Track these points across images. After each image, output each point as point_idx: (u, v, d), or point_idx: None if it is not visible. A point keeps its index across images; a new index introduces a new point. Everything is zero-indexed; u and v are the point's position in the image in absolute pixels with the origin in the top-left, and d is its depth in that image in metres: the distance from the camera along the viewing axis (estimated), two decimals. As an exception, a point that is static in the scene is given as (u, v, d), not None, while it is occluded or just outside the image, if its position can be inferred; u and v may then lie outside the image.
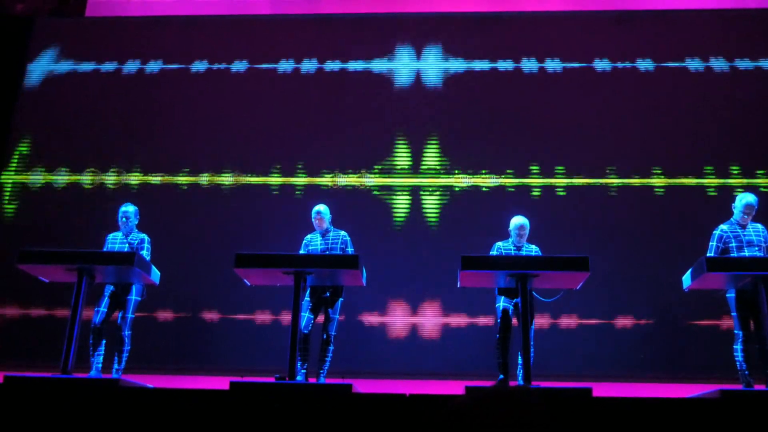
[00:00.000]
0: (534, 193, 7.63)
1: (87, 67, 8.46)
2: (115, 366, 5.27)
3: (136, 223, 5.72)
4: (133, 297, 5.39)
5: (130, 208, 5.68)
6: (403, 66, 8.25)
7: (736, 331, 4.90)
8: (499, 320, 5.20)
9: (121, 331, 5.30)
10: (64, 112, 8.27)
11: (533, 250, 5.48)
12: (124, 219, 5.62)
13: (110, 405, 3.65)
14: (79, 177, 7.97)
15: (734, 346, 4.88)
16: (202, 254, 7.48)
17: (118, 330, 5.31)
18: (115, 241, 5.61)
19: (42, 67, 8.49)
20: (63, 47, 8.58)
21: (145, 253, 5.54)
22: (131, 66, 8.43)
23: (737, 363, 4.85)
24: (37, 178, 7.98)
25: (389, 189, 7.76)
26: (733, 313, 4.93)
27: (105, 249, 5.59)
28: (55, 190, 7.93)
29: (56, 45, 8.59)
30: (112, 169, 7.97)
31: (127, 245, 5.57)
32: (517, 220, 5.46)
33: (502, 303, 5.23)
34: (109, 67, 8.44)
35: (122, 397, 3.94)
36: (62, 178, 7.97)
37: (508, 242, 5.49)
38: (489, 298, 5.52)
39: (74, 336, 4.70)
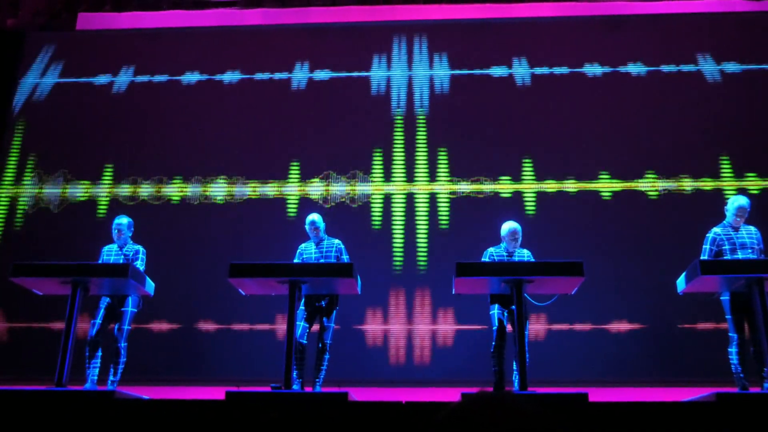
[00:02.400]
0: (527, 199, 7.65)
1: (79, 80, 8.47)
2: (111, 378, 5.25)
3: (130, 234, 5.71)
4: (129, 308, 5.38)
5: (123, 221, 5.68)
6: (395, 74, 8.28)
7: (730, 334, 4.90)
8: (494, 328, 5.19)
9: (117, 342, 5.29)
10: (57, 125, 8.27)
11: (525, 255, 5.47)
12: (117, 231, 5.62)
13: (105, 417, 3.63)
14: (72, 189, 7.96)
15: (729, 349, 4.89)
16: (197, 265, 7.47)
17: (113, 342, 5.30)
18: (110, 253, 5.61)
19: (34, 81, 8.49)
20: (55, 61, 8.58)
21: (140, 264, 5.53)
22: (123, 78, 8.44)
23: (732, 366, 4.85)
24: (30, 191, 7.97)
25: (383, 197, 7.77)
26: (728, 316, 4.93)
27: (100, 261, 5.58)
28: (49, 202, 7.91)
29: (48, 59, 8.60)
30: (105, 181, 7.97)
31: (122, 257, 5.56)
32: (509, 225, 5.44)
33: (496, 311, 5.22)
34: (101, 80, 8.45)
35: (117, 409, 3.92)
36: (56, 190, 7.95)
37: (500, 248, 5.48)
38: (484, 305, 5.52)
39: (69, 348, 4.68)
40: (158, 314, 7.18)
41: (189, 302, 7.39)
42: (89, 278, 4.82)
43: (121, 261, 5.52)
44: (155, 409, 3.96)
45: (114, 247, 5.65)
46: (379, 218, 7.71)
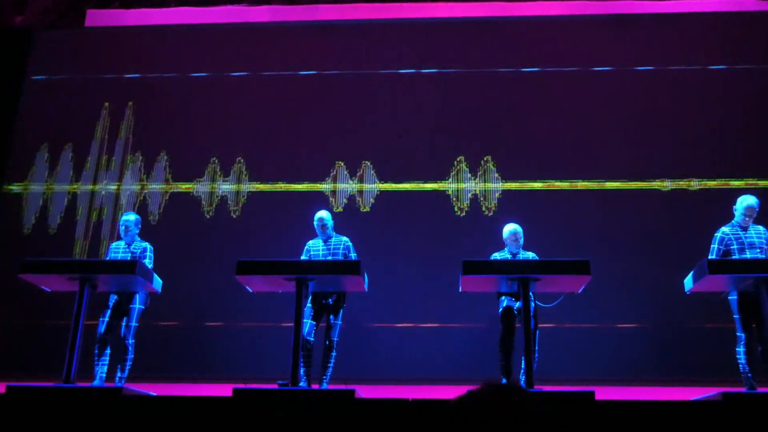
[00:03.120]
0: (534, 198, 7.64)
1: (87, 77, 8.49)
2: (118, 374, 5.28)
3: (137, 231, 5.73)
4: (137, 306, 5.40)
5: (130, 217, 5.70)
6: (402, 72, 8.27)
7: (738, 334, 4.89)
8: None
9: (125, 339, 5.32)
10: (65, 123, 8.29)
11: (530, 256, 5.48)
12: (124, 228, 5.64)
13: (113, 413, 3.65)
14: (80, 186, 7.99)
15: (737, 349, 4.88)
16: (205, 262, 7.49)
17: (121, 339, 5.32)
18: (118, 250, 5.63)
19: (42, 78, 8.52)
20: (63, 58, 8.61)
21: (148, 262, 5.55)
22: (131, 75, 8.46)
23: (740, 365, 4.84)
24: (39, 188, 8.01)
25: (390, 194, 7.77)
26: (735, 316, 4.92)
27: (108, 258, 5.60)
28: (57, 199, 7.95)
29: (56, 56, 8.63)
30: (114, 178, 7.99)
31: (129, 254, 5.58)
32: (510, 228, 5.46)
33: (505, 303, 5.24)
34: (109, 76, 8.47)
35: (125, 406, 3.94)
36: (63, 187, 7.99)
37: (504, 251, 5.49)
38: (492, 303, 5.52)
39: (77, 345, 4.70)
40: (166, 311, 7.20)
41: (196, 299, 7.41)
42: (97, 275, 4.85)
43: (129, 258, 5.54)
44: (163, 405, 3.98)
45: (122, 244, 5.67)
46: (387, 216, 7.71)
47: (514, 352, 5.20)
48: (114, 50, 8.63)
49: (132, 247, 5.63)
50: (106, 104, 8.34)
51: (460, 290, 5.00)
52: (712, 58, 8.04)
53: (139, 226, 5.77)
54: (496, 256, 5.48)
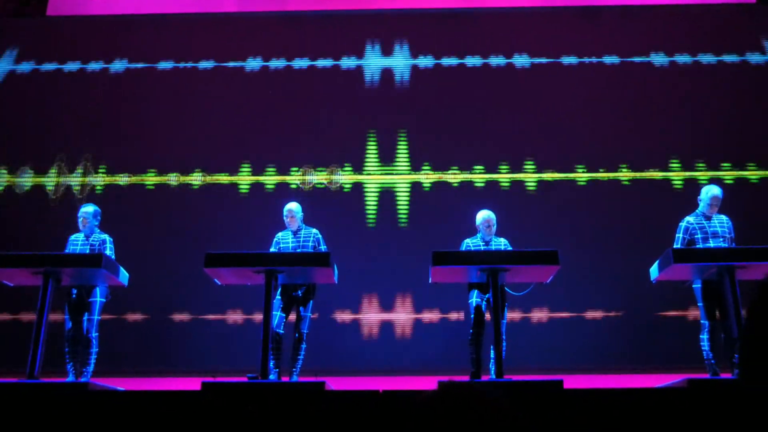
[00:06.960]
0: (503, 188, 7.69)
1: (50, 66, 8.31)
2: (83, 369, 5.19)
3: (96, 223, 5.54)
4: (98, 299, 5.27)
5: (89, 209, 5.53)
6: (372, 63, 8.25)
7: (702, 321, 4.98)
8: (472, 316, 5.21)
9: (88, 333, 5.20)
10: (27, 112, 8.11)
11: (502, 243, 5.48)
12: (82, 220, 5.48)
13: (79, 409, 3.59)
14: (42, 178, 7.83)
15: (700, 336, 4.96)
16: (172, 254, 7.40)
17: (84, 333, 5.22)
18: (76, 243, 5.46)
19: (3, 67, 8.32)
20: (25, 47, 8.41)
21: (108, 254, 5.42)
22: (95, 65, 8.30)
23: (704, 352, 4.93)
24: (0, 179, 7.83)
25: (360, 186, 7.75)
26: (699, 304, 5.00)
27: (66, 250, 5.45)
28: (19, 191, 7.78)
29: (18, 45, 8.42)
30: (77, 170, 7.85)
31: (88, 247, 5.42)
32: (483, 214, 5.45)
33: (474, 298, 5.23)
34: (72, 66, 8.30)
35: (91, 401, 3.87)
36: (25, 179, 7.82)
37: (477, 237, 5.49)
38: (461, 294, 5.53)
39: (41, 340, 4.60)
40: (133, 305, 7.10)
41: (164, 292, 7.32)
42: (62, 269, 4.74)
43: (87, 251, 5.39)
44: (130, 400, 3.93)
45: (80, 236, 5.50)
46: (357, 208, 7.69)
47: (483, 341, 5.21)
48: (77, 39, 8.45)
49: (91, 239, 5.48)
50: (70, 93, 8.17)
51: (430, 281, 5.01)
52: (678, 51, 8.15)
53: (99, 217, 5.59)
54: (468, 241, 5.48)
